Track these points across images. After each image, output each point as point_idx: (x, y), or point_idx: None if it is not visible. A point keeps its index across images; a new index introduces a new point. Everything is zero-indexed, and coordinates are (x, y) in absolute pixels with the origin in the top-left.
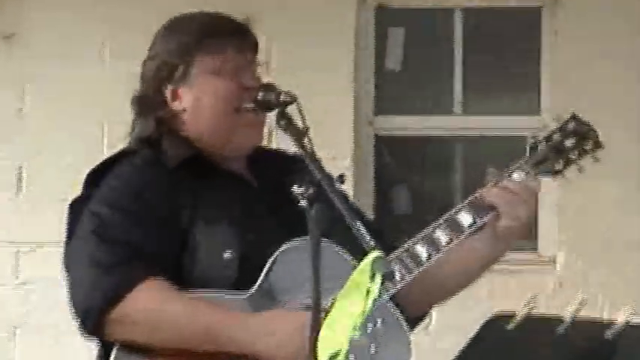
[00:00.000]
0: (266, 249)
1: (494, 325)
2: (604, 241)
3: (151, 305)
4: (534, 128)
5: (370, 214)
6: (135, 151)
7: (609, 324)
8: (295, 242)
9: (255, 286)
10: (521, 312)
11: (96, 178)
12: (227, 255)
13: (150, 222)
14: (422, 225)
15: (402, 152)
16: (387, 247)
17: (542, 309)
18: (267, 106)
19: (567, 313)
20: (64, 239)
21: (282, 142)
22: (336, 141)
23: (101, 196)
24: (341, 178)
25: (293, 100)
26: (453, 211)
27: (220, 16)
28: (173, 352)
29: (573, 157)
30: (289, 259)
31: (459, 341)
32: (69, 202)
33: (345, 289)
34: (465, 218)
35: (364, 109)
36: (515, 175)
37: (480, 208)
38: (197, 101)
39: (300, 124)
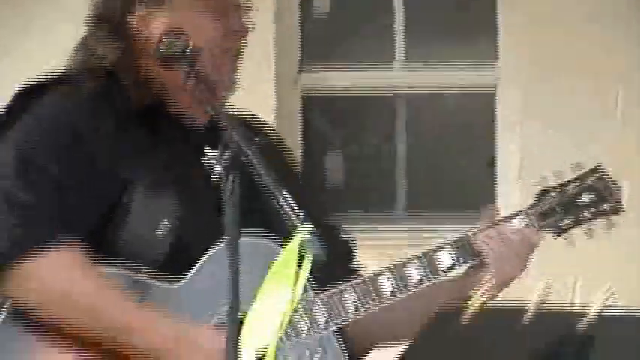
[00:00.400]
0: (208, 229)
1: (446, 320)
2: None
3: (57, 273)
4: (489, 86)
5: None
6: (83, 76)
7: (582, 312)
8: (245, 238)
9: (183, 282)
10: (473, 304)
11: (28, 99)
12: (160, 229)
13: (82, 174)
14: (357, 201)
15: (334, 113)
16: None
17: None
18: (172, 60)
19: (530, 301)
20: None
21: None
22: (255, 100)
23: (31, 124)
24: (263, 141)
25: (201, 53)
26: (435, 246)
27: None
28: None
29: (584, 218)
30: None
31: None
32: None
33: (270, 275)
34: (446, 258)
35: (288, 62)
36: (516, 222)
37: (465, 251)
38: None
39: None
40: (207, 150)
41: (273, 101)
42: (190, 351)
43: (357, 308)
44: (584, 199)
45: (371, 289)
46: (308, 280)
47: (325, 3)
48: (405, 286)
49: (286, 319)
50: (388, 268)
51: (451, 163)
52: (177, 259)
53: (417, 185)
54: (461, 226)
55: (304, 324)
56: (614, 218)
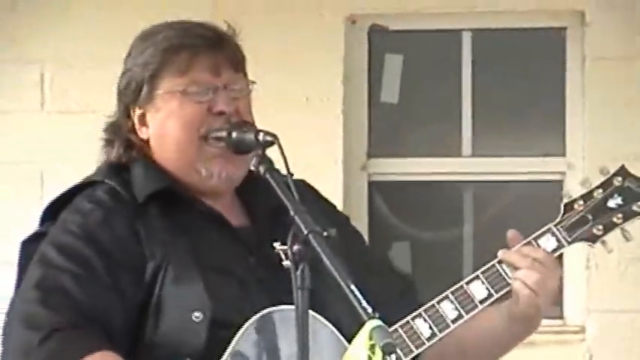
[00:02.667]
0: (244, 310)
1: None
2: None
3: None
4: (558, 172)
5: None
6: (99, 181)
7: None
8: (275, 309)
9: None
10: None
11: (52, 212)
12: (195, 317)
13: (105, 278)
14: (424, 287)
15: (401, 201)
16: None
17: None
18: (243, 148)
19: None
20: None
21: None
22: (323, 188)
23: (53, 237)
24: (331, 233)
25: (274, 140)
26: (465, 280)
27: (193, 27)
28: None
29: (617, 220)
30: (264, 329)
31: None
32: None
33: None
34: (478, 290)
35: (356, 149)
36: (543, 241)
37: (496, 279)
38: (161, 126)
39: (282, 169)
40: (277, 244)
41: (341, 187)
42: None
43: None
44: (614, 201)
45: (406, 336)
46: None
47: (394, 93)
48: (443, 327)
49: None
50: (422, 312)
51: None
52: (217, 345)
53: None
54: None
55: None
56: None
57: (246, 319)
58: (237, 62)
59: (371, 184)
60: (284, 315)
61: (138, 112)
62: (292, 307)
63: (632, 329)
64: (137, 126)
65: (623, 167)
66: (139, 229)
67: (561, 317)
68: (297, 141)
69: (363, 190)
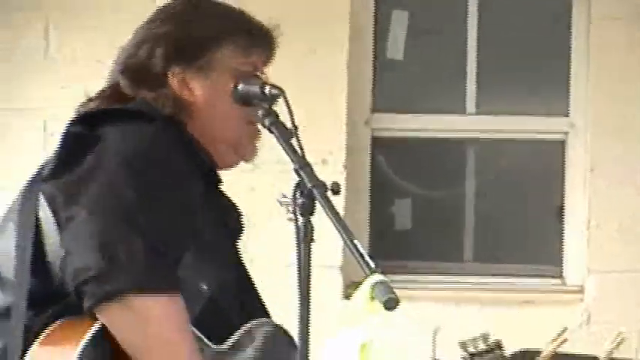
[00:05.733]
0: (235, 295)
1: None
2: None
3: (164, 321)
4: (561, 132)
5: (364, 230)
6: (161, 119)
7: None
8: (280, 326)
9: (225, 345)
10: (547, 349)
11: (102, 122)
12: (203, 288)
13: (183, 222)
14: (425, 244)
15: (403, 157)
16: None
17: (568, 347)
18: (248, 100)
19: (602, 352)
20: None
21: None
22: (326, 142)
23: (127, 159)
24: (335, 187)
25: (280, 93)
26: None
27: (252, 16)
28: None
29: None
30: (257, 334)
31: None
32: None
33: (342, 319)
34: None
35: (360, 105)
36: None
37: None
38: (211, 99)
39: (287, 122)
40: (281, 194)
41: (344, 141)
42: None
43: None
44: None
45: None
46: None
47: (399, 49)
48: None
49: None
50: None
51: (519, 211)
52: (210, 322)
53: (484, 232)
54: (524, 279)
55: None
56: None
57: (233, 306)
58: (274, 54)
59: (374, 139)
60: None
61: (180, 74)
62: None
63: (631, 290)
64: (177, 87)
65: (499, 344)
66: (195, 185)
67: (560, 277)
68: (302, 95)
69: (366, 146)
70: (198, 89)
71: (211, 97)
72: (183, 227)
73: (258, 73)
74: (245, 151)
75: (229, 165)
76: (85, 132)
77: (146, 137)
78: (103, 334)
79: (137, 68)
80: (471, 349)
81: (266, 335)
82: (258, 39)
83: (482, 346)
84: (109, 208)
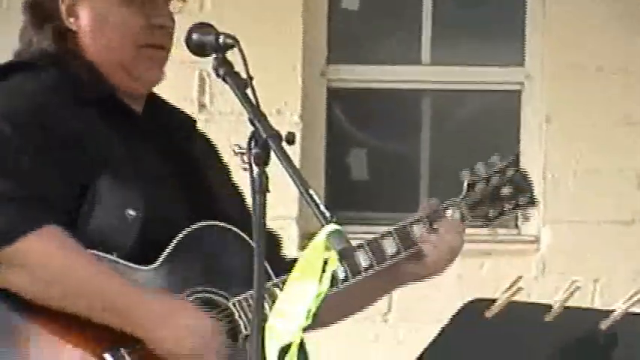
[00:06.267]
0: (175, 212)
1: (471, 312)
2: (597, 214)
3: (50, 253)
4: (517, 82)
5: (320, 180)
6: (37, 65)
7: (604, 313)
8: (214, 224)
9: (156, 263)
10: (501, 298)
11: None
12: (129, 214)
13: (57, 158)
14: (380, 195)
15: (359, 107)
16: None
17: (524, 297)
18: (203, 50)
19: (556, 301)
20: None
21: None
22: (282, 93)
23: (3, 108)
24: (290, 138)
25: (234, 43)
26: (379, 235)
27: None
28: (56, 314)
29: (507, 208)
30: (198, 240)
31: (425, 333)
32: None
33: (297, 269)
34: (390, 246)
35: (315, 56)
36: (449, 212)
37: (406, 240)
38: (95, 26)
39: (242, 72)
40: (235, 143)
41: (299, 92)
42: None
43: None
44: (506, 191)
45: None
46: None
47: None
48: (355, 273)
49: (312, 314)
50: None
51: (474, 162)
52: (146, 246)
53: (439, 183)
54: (480, 229)
55: None
56: (530, 210)
57: (176, 221)
58: None
59: (330, 90)
60: (221, 231)
61: (69, 1)
62: (229, 226)
63: (586, 240)
64: (64, 14)
65: (516, 158)
66: (82, 123)
67: (516, 227)
68: (257, 45)
69: (322, 97)
70: (83, 16)
71: (96, 22)
72: (57, 163)
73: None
74: (140, 75)
75: (133, 89)
76: None
77: (6, 92)
78: None
79: (31, 4)
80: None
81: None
82: None
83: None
84: None
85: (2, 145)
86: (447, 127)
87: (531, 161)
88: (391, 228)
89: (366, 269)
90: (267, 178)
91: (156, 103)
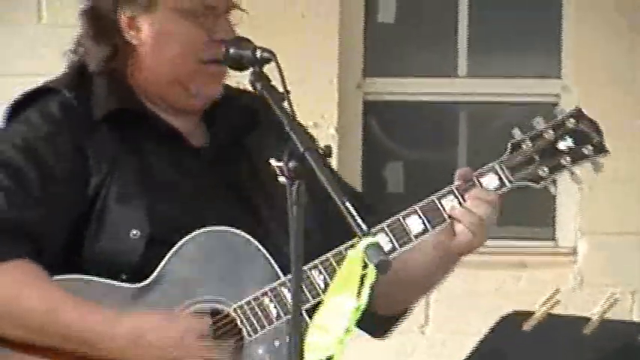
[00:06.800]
0: (185, 229)
1: (508, 325)
2: (634, 225)
3: (6, 292)
4: (553, 94)
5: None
6: (57, 90)
7: None
8: (211, 229)
9: (149, 279)
10: (539, 311)
11: (8, 117)
12: (133, 234)
13: (37, 193)
14: None
15: (395, 120)
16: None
17: (561, 309)
18: (240, 64)
19: (594, 313)
20: None
21: None
22: (318, 106)
23: (1, 138)
24: (326, 151)
25: (271, 57)
26: (402, 213)
27: None
28: (29, 347)
29: (565, 163)
30: (195, 249)
31: (462, 346)
32: None
33: (335, 283)
34: (415, 224)
35: (351, 69)
36: (486, 180)
37: (434, 216)
38: (157, 40)
39: (279, 86)
40: (273, 158)
41: (336, 105)
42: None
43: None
44: (565, 143)
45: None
46: None
47: (390, 12)
48: None
49: (351, 328)
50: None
51: None
52: (155, 264)
53: None
54: (517, 241)
55: None
56: (600, 159)
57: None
58: None
59: (366, 103)
60: (222, 236)
61: (128, 13)
62: (226, 228)
63: (623, 251)
64: (125, 27)
65: (578, 109)
66: (88, 145)
67: (553, 239)
68: (294, 59)
69: (357, 110)
70: (145, 28)
71: (158, 36)
72: (44, 199)
73: (211, 5)
74: (199, 91)
75: (188, 106)
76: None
77: (14, 127)
78: None
79: (92, 10)
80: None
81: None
82: None
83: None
84: None
85: None
86: (484, 139)
87: None
88: (417, 205)
89: (388, 253)
90: (304, 191)
91: (218, 111)
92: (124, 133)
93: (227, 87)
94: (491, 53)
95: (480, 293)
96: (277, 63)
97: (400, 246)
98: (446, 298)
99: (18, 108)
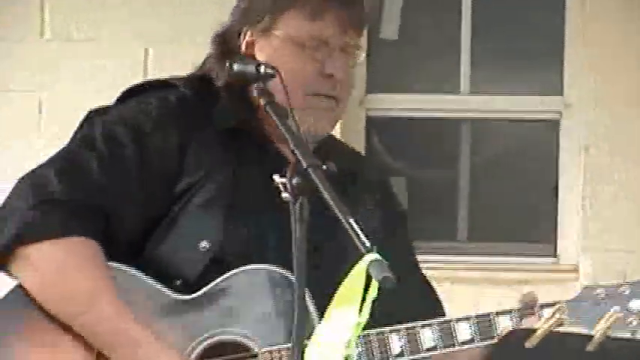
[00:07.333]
0: (249, 257)
1: (511, 343)
2: (636, 243)
3: (57, 266)
4: (555, 111)
5: None
6: (174, 85)
7: None
8: (269, 267)
9: (195, 295)
10: (542, 328)
11: (128, 95)
12: (202, 247)
13: (131, 174)
14: (420, 224)
15: (398, 137)
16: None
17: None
18: (244, 81)
19: (597, 331)
20: None
21: None
22: None
23: (107, 118)
24: (330, 167)
25: (275, 73)
26: (456, 318)
27: None
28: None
29: (631, 322)
30: (247, 282)
31: None
32: None
33: (337, 298)
34: (464, 331)
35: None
36: (546, 312)
37: (486, 329)
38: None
39: (282, 101)
40: (276, 176)
41: (339, 121)
42: None
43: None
44: (637, 304)
45: (377, 345)
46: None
47: (393, 29)
48: (413, 351)
49: (352, 343)
50: (400, 329)
51: (513, 190)
52: (208, 278)
53: (478, 212)
54: (519, 258)
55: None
56: None
57: (255, 261)
58: (363, 23)
59: (368, 119)
60: (277, 276)
61: (249, 37)
62: (283, 271)
63: (626, 268)
64: (244, 50)
65: None
66: (192, 145)
67: (555, 256)
68: None
69: (360, 126)
70: (260, 54)
71: (272, 61)
72: (132, 184)
73: (324, 39)
74: (308, 126)
75: (313, 130)
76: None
77: (130, 105)
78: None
79: (223, 33)
80: None
81: (241, 279)
82: (328, 2)
83: None
84: (38, 169)
85: (83, 148)
86: (486, 156)
87: (570, 190)
88: (475, 314)
89: (428, 350)
90: (307, 207)
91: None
92: (231, 143)
93: (338, 141)
94: (493, 70)
95: (482, 310)
96: (281, 79)
97: (444, 347)
98: (448, 314)
99: (136, 91)
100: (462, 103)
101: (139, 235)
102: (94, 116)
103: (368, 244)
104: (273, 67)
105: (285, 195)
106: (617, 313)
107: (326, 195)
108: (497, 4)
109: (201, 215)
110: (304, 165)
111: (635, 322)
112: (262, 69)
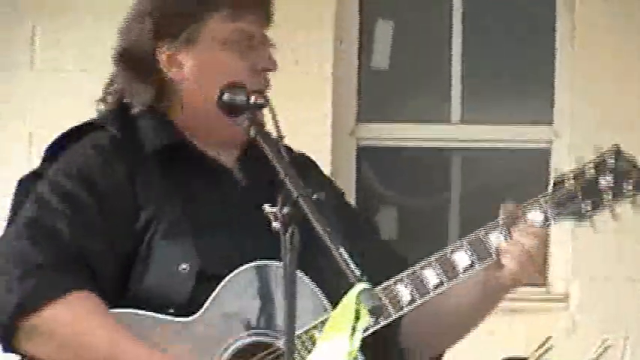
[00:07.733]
0: (233, 264)
1: None
2: (626, 271)
3: (68, 324)
4: (545, 140)
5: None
6: (102, 127)
7: None
8: (259, 263)
9: (198, 313)
10: (533, 357)
11: (54, 152)
12: (182, 269)
13: (97, 223)
14: (410, 253)
15: (388, 166)
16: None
17: (554, 354)
18: (234, 109)
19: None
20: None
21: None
22: (311, 152)
23: (51, 177)
24: (320, 197)
25: (265, 103)
26: (449, 248)
27: None
28: None
29: (607, 200)
30: (244, 283)
31: None
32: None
33: (327, 327)
34: (462, 259)
35: (344, 115)
36: (531, 216)
37: (481, 250)
38: (201, 72)
39: (273, 132)
40: (266, 206)
41: (329, 151)
42: None
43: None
44: (605, 180)
45: (388, 300)
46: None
47: (384, 59)
48: (423, 293)
49: None
50: (404, 277)
51: None
52: (205, 297)
53: None
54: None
55: None
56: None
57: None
58: (272, 17)
59: (359, 149)
60: (269, 270)
61: (167, 50)
62: (273, 262)
63: (616, 297)
64: (165, 65)
65: (616, 147)
66: (137, 179)
67: (545, 285)
68: (287, 104)
69: (351, 155)
70: (187, 63)
71: (201, 69)
72: (98, 232)
73: (248, 32)
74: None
75: (233, 137)
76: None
77: (64, 157)
78: None
79: (128, 52)
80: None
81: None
82: (245, 3)
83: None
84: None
85: (44, 212)
86: (477, 185)
87: None
88: (465, 239)
89: (435, 287)
90: (297, 236)
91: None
92: (171, 169)
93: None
94: (484, 99)
95: (472, 339)
96: (271, 108)
97: (448, 280)
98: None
99: (64, 143)
100: (453, 132)
101: (120, 277)
102: (29, 183)
103: (358, 272)
104: (263, 97)
105: (275, 224)
106: (605, 342)
107: (316, 225)
108: (487, 33)
109: (170, 244)
110: (295, 195)
111: (610, 196)
112: (253, 98)
